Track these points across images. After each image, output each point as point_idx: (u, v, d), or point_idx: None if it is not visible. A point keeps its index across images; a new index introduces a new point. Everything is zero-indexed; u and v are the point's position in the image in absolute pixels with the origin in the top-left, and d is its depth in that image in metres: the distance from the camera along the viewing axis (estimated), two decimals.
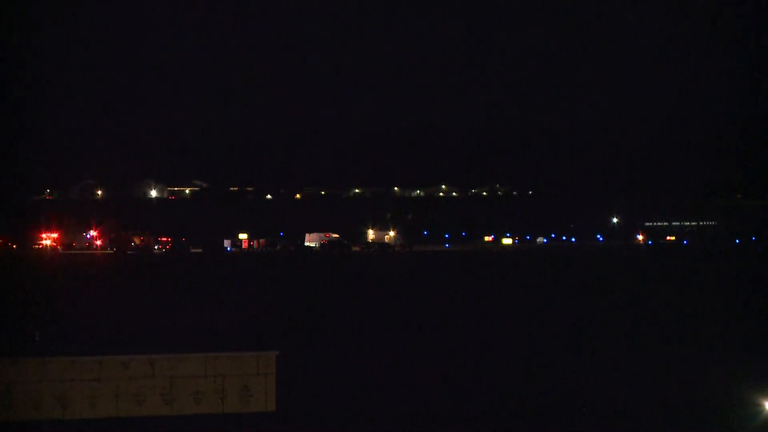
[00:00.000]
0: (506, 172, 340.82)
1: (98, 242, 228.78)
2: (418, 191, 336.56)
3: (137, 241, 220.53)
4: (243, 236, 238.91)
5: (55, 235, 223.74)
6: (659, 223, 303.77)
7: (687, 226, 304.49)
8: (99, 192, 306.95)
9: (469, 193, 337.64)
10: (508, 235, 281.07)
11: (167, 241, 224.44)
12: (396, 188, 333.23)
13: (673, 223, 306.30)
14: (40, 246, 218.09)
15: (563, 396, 43.55)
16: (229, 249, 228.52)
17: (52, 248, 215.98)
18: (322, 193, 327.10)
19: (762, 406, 38.15)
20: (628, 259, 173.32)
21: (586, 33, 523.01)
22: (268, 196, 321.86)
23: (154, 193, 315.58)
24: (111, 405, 28.54)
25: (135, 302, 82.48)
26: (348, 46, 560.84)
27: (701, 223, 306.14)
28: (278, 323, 67.89)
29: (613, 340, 60.89)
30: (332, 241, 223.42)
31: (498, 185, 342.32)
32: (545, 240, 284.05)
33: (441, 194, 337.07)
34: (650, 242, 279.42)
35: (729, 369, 48.77)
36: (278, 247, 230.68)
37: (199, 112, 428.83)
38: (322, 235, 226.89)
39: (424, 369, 50.51)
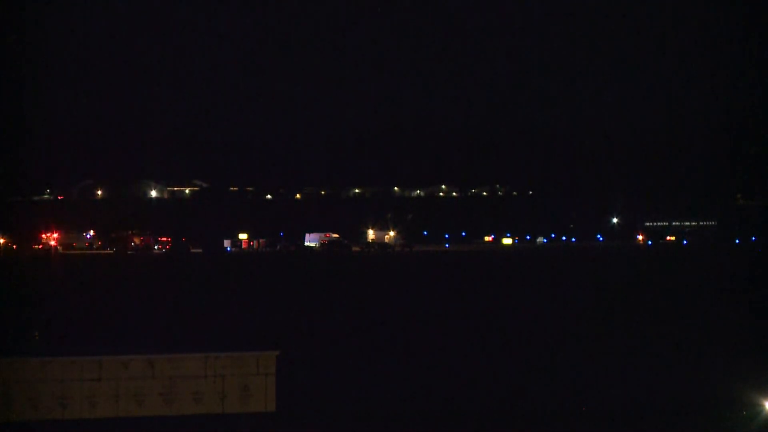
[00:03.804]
0: (506, 172, 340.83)
1: (98, 242, 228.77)
2: (418, 191, 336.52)
3: (137, 241, 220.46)
4: (243, 236, 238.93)
5: (55, 235, 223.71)
6: (659, 223, 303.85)
7: (687, 226, 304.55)
8: (99, 192, 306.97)
9: (469, 193, 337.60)
10: (508, 235, 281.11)
11: (167, 241, 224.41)
12: (396, 188, 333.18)
13: (673, 223, 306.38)
14: (40, 246, 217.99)
15: (563, 396, 43.54)
16: (229, 249, 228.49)
17: (52, 248, 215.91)
18: (322, 193, 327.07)
19: (762, 406, 38.14)
20: (627, 259, 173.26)
21: (587, 32, 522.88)
22: (268, 196, 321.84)
23: (154, 193, 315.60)
24: (111, 405, 28.55)
25: (135, 302, 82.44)
26: (348, 45, 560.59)
27: (701, 223, 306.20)
28: (278, 323, 67.86)
29: (612, 340, 60.87)
30: (332, 241, 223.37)
31: (498, 185, 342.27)
32: (545, 240, 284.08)
33: (441, 194, 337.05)
34: (650, 242, 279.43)
35: (729, 369, 48.76)
36: (278, 247, 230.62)
37: (199, 112, 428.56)
38: (322, 235, 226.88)
39: (424, 369, 50.50)
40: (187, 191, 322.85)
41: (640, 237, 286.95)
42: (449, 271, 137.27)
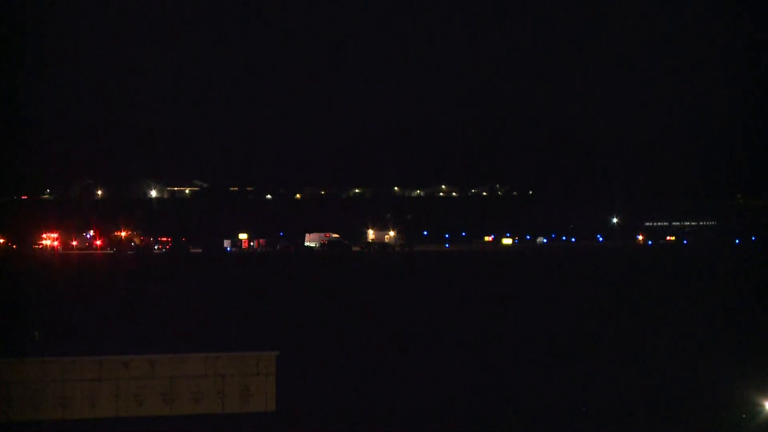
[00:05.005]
0: (506, 172, 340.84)
1: (98, 242, 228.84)
2: (418, 191, 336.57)
3: (137, 241, 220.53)
4: (243, 236, 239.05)
5: (55, 235, 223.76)
6: (659, 223, 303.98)
7: (687, 226, 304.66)
8: (99, 192, 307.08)
9: (469, 193, 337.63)
10: (508, 235, 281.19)
11: (167, 241, 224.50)
12: (396, 188, 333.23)
13: (673, 223, 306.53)
14: (40, 246, 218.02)
15: (563, 396, 43.54)
16: (229, 249, 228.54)
17: (52, 248, 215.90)
18: (322, 193, 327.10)
19: (762, 406, 38.15)
20: (627, 259, 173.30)
21: (587, 32, 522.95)
22: (268, 196, 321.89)
23: (154, 193, 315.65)
24: (111, 405, 28.56)
25: (135, 302, 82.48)
26: (348, 45, 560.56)
27: (701, 223, 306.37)
28: (278, 323, 67.88)
29: (612, 339, 60.89)
30: (332, 241, 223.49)
31: (498, 185, 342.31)
32: (545, 240, 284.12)
33: (441, 194, 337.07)
34: (650, 242, 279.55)
35: (729, 369, 48.77)
36: (278, 247, 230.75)
37: (199, 112, 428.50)
38: (322, 235, 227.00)
39: (424, 369, 50.51)
40: (187, 191, 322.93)
41: (640, 237, 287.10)
42: (449, 272, 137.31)
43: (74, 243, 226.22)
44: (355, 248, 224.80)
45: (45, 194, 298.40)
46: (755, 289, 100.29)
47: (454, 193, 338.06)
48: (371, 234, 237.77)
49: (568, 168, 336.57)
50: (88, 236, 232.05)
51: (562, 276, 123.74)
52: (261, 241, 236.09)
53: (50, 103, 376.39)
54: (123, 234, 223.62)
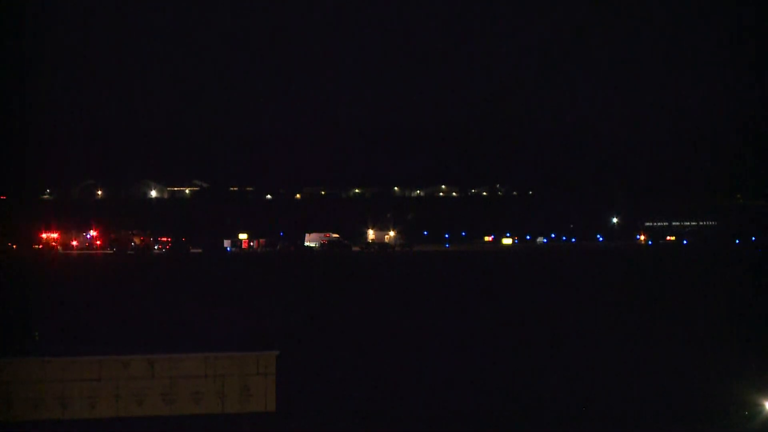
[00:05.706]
0: (506, 172, 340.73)
1: (98, 242, 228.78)
2: (418, 191, 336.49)
3: (137, 241, 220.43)
4: (243, 236, 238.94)
5: (55, 235, 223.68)
6: (659, 223, 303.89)
7: (687, 226, 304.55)
8: (99, 192, 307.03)
9: (469, 193, 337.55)
10: (508, 235, 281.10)
11: (167, 241, 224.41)
12: (396, 188, 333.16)
13: (673, 223, 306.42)
14: (40, 246, 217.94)
15: (563, 396, 43.54)
16: (229, 249, 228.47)
17: (52, 248, 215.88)
18: (322, 193, 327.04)
19: (762, 406, 38.15)
20: (627, 258, 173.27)
21: (587, 32, 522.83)
22: (268, 196, 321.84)
23: (154, 193, 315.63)
24: (111, 405, 28.54)
25: (135, 302, 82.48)
26: (347, 45, 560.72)
27: (701, 223, 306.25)
28: (278, 323, 67.89)
29: (612, 339, 60.90)
30: (332, 241, 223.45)
31: (498, 185, 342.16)
32: (545, 240, 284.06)
33: (441, 194, 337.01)
34: (650, 242, 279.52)
35: (729, 369, 48.77)
36: (278, 247, 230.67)
37: (199, 112, 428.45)
38: (322, 235, 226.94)
39: (424, 369, 50.52)
40: (187, 191, 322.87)
41: (640, 237, 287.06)
42: (449, 271, 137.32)
43: (74, 243, 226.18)
44: (355, 248, 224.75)
45: (45, 194, 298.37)
46: (755, 289, 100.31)
47: (454, 193, 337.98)
48: (371, 234, 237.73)
49: (568, 168, 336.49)
50: (88, 236, 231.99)
51: (562, 276, 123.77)
52: (261, 241, 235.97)
53: (51, 103, 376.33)
54: (123, 234, 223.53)
